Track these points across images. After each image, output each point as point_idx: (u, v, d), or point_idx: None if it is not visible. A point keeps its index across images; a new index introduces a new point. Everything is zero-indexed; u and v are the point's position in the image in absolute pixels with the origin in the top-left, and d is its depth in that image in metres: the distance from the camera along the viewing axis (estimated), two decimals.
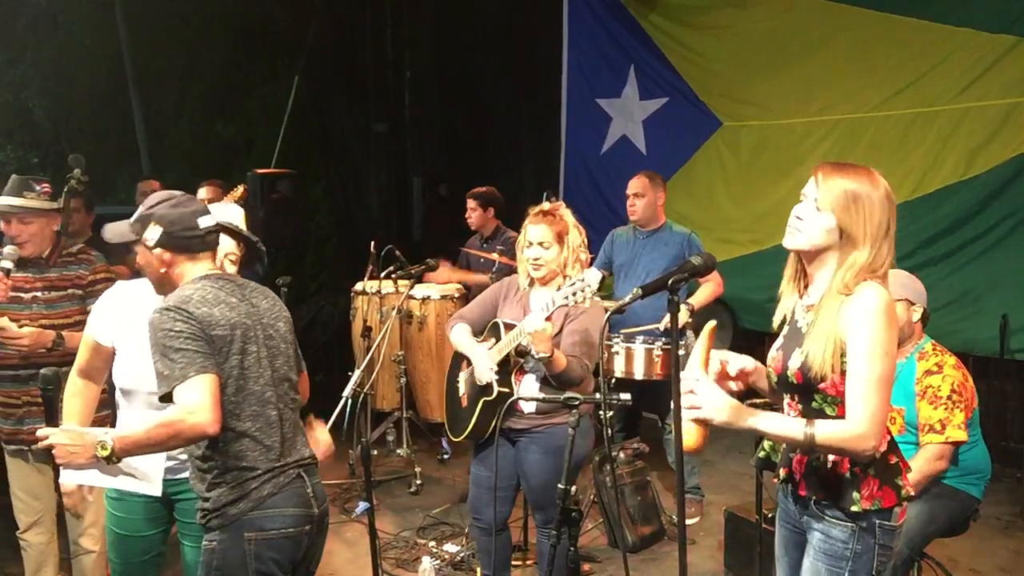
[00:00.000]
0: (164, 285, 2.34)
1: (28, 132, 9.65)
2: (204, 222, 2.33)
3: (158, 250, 2.29)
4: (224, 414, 2.16)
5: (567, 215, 3.31)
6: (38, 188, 3.16)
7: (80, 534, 3.28)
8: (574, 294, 2.90)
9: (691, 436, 2.07)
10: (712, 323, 2.19)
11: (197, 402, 2.07)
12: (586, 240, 3.33)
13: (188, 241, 2.31)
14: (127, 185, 8.70)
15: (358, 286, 5.82)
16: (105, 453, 2.10)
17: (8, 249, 3.09)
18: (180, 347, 2.11)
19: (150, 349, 2.15)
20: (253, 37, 8.85)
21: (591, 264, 4.94)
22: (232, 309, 2.25)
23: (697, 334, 3.92)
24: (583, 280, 2.90)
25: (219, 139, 9.38)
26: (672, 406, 2.11)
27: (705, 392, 2.05)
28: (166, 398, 2.12)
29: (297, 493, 2.29)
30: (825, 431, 2.01)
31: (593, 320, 3.21)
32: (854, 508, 2.07)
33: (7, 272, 3.06)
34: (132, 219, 2.35)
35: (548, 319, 3.00)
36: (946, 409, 3.10)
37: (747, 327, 6.33)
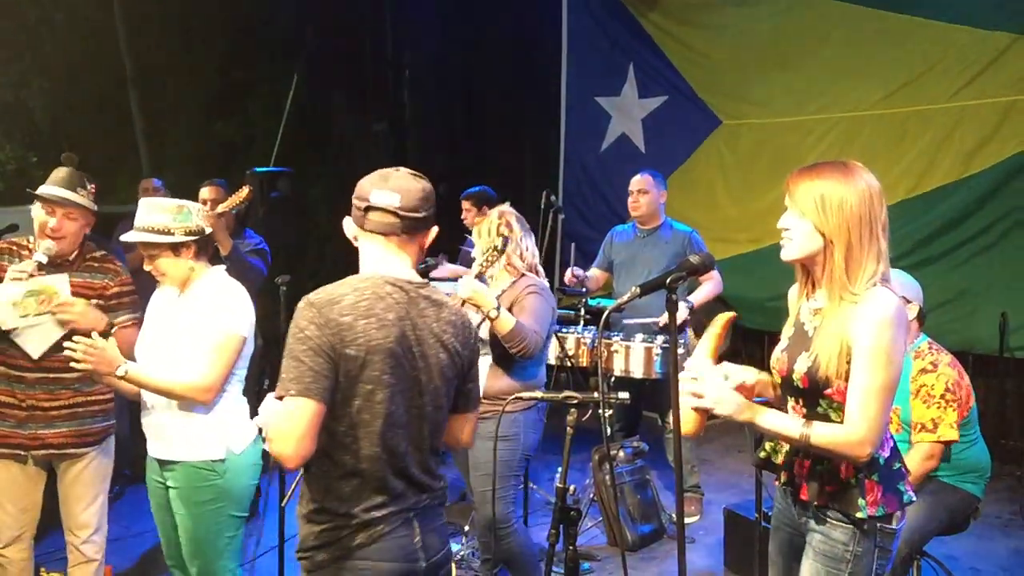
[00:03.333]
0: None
1: (27, 132, 9.64)
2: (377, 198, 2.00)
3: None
4: (332, 446, 1.92)
5: (492, 213, 3.51)
6: (89, 187, 3.07)
7: (83, 541, 3.15)
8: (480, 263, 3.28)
9: (689, 422, 2.08)
10: (730, 314, 2.19)
11: (282, 429, 1.85)
12: (502, 232, 3.42)
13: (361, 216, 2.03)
14: (127, 185, 8.69)
15: None
16: None
17: (47, 243, 2.96)
18: (298, 355, 1.88)
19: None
20: (253, 37, 8.85)
21: (593, 263, 5.00)
22: (381, 328, 1.93)
23: (696, 332, 3.94)
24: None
25: (218, 138, 9.38)
26: (671, 405, 2.11)
27: (709, 382, 2.05)
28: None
29: (399, 544, 1.98)
30: (821, 433, 2.01)
31: (539, 302, 3.32)
32: (859, 515, 2.06)
33: (40, 266, 2.92)
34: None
35: (477, 277, 3.22)
36: (939, 408, 3.10)
37: (747, 326, 6.33)
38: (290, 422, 1.85)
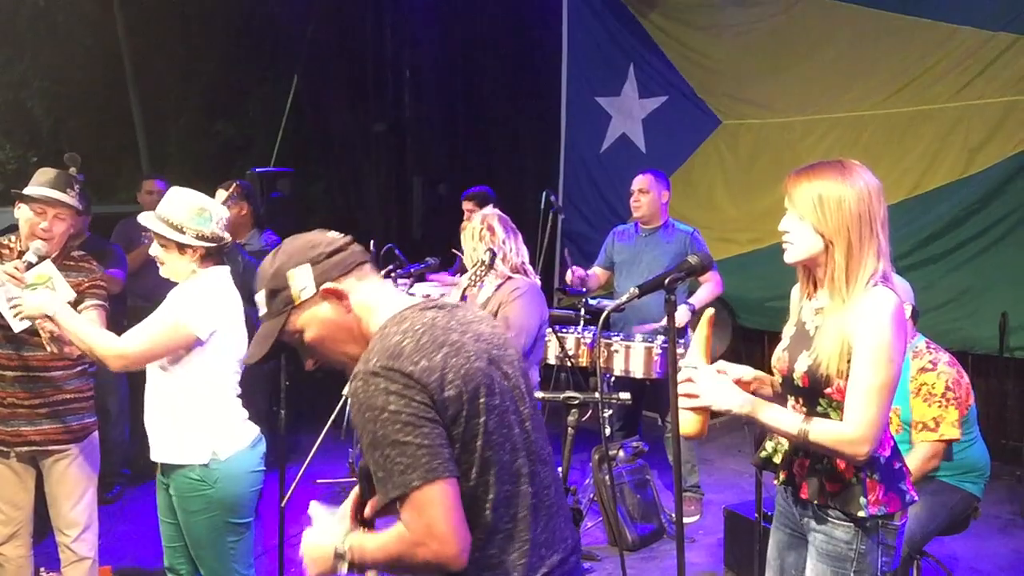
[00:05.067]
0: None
1: (27, 131, 9.65)
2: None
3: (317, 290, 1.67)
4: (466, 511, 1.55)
5: (475, 218, 3.49)
6: (76, 188, 3.09)
7: (73, 540, 3.16)
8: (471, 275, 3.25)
9: (690, 423, 2.08)
10: (711, 311, 2.19)
11: (432, 532, 1.49)
12: (484, 237, 3.42)
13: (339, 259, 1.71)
14: (127, 185, 8.71)
15: None
16: (344, 568, 1.63)
17: (36, 243, 2.97)
18: (395, 439, 1.50)
19: (359, 433, 1.56)
20: (253, 37, 8.85)
21: (595, 262, 5.00)
22: (457, 351, 1.60)
23: None
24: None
25: (219, 138, 9.40)
26: (670, 405, 2.11)
27: (704, 379, 2.05)
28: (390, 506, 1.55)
29: None
30: (820, 430, 2.00)
31: (522, 308, 3.30)
32: (860, 514, 2.05)
33: (29, 265, 2.93)
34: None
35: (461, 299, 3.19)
36: (940, 406, 3.11)
37: (746, 326, 6.33)
38: (437, 519, 1.49)
